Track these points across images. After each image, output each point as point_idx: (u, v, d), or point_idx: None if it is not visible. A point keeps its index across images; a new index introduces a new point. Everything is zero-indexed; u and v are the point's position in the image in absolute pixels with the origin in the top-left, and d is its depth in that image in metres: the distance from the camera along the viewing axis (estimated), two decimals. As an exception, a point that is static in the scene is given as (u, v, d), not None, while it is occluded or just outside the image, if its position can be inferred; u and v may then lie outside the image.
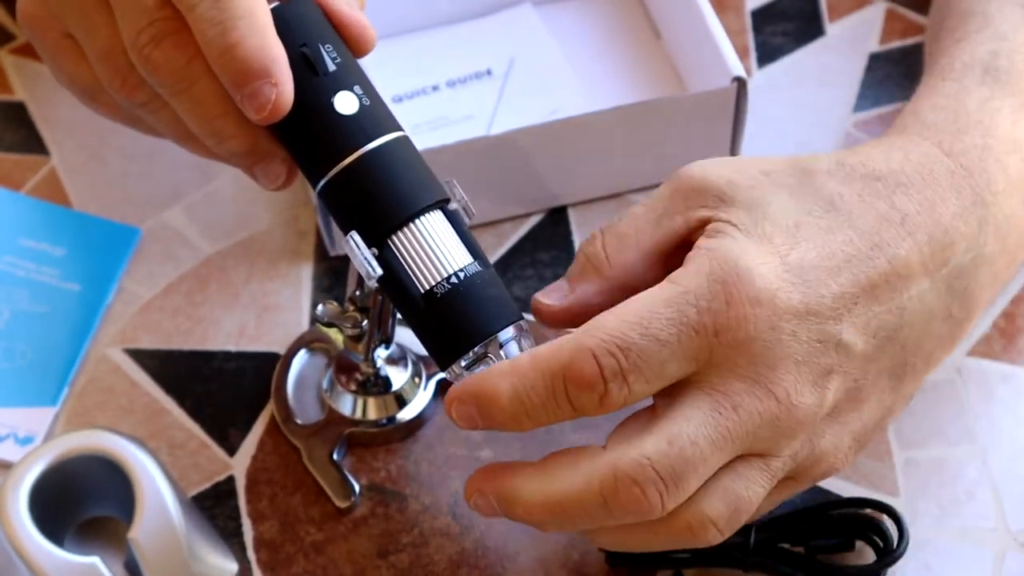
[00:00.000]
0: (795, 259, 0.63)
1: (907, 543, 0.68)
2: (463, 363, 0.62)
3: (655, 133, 0.80)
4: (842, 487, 0.72)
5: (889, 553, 0.67)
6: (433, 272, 0.62)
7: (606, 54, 0.87)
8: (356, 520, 0.72)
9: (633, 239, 0.66)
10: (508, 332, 0.62)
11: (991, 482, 0.73)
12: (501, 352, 0.62)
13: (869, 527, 0.68)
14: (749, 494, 0.62)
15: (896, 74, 0.87)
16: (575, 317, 0.65)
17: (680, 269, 0.63)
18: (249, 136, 0.62)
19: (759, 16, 0.90)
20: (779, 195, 0.65)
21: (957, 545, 0.71)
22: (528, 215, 0.82)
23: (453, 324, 0.62)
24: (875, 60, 0.88)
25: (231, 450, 0.74)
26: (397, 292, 0.62)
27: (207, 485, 0.73)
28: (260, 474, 0.73)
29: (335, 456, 0.73)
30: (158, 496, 0.67)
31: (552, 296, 0.66)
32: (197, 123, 0.62)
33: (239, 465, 0.74)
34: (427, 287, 0.62)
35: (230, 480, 0.73)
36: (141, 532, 0.66)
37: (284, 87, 0.60)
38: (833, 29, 0.89)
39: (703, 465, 0.61)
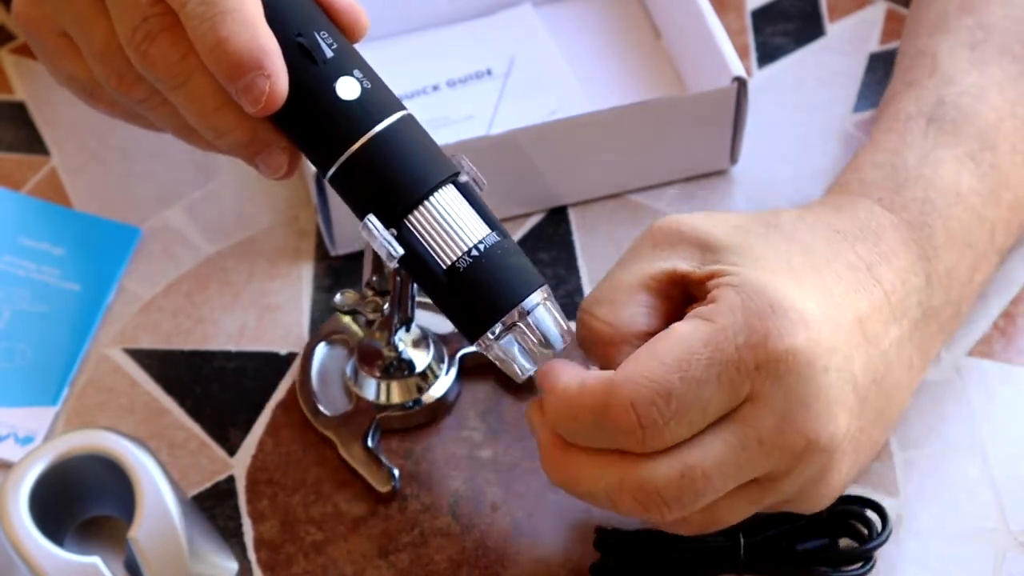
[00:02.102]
0: (811, 297, 0.63)
1: (891, 529, 0.68)
2: (492, 335, 0.63)
3: (655, 133, 0.80)
4: (842, 487, 0.72)
5: (874, 538, 0.68)
6: (453, 247, 0.62)
7: (606, 54, 0.87)
8: (356, 520, 0.72)
9: (624, 296, 0.66)
10: (534, 298, 0.63)
11: (991, 482, 0.73)
12: (529, 319, 0.62)
13: (853, 518, 0.69)
14: (736, 513, 0.64)
15: (896, 74, 0.87)
16: None
17: (710, 306, 0.63)
18: (248, 127, 0.62)
19: (759, 16, 0.90)
20: (758, 243, 0.65)
21: (957, 545, 0.71)
22: (528, 215, 0.82)
23: (478, 297, 0.62)
24: (875, 60, 0.88)
25: (231, 450, 0.74)
26: (419, 270, 0.63)
27: (207, 485, 0.73)
28: (260, 474, 0.73)
29: (369, 443, 0.73)
30: (158, 496, 0.67)
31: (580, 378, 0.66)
32: (195, 117, 0.62)
33: (239, 465, 0.74)
34: (449, 262, 0.62)
35: (230, 480, 0.73)
36: (141, 532, 0.66)
37: (278, 78, 0.60)
38: (833, 29, 0.89)
39: (712, 495, 0.62)
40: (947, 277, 0.69)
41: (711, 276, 0.64)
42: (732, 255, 0.65)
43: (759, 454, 0.61)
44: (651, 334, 0.64)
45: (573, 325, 0.66)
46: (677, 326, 0.62)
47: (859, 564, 0.68)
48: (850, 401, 0.63)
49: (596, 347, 0.66)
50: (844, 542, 0.69)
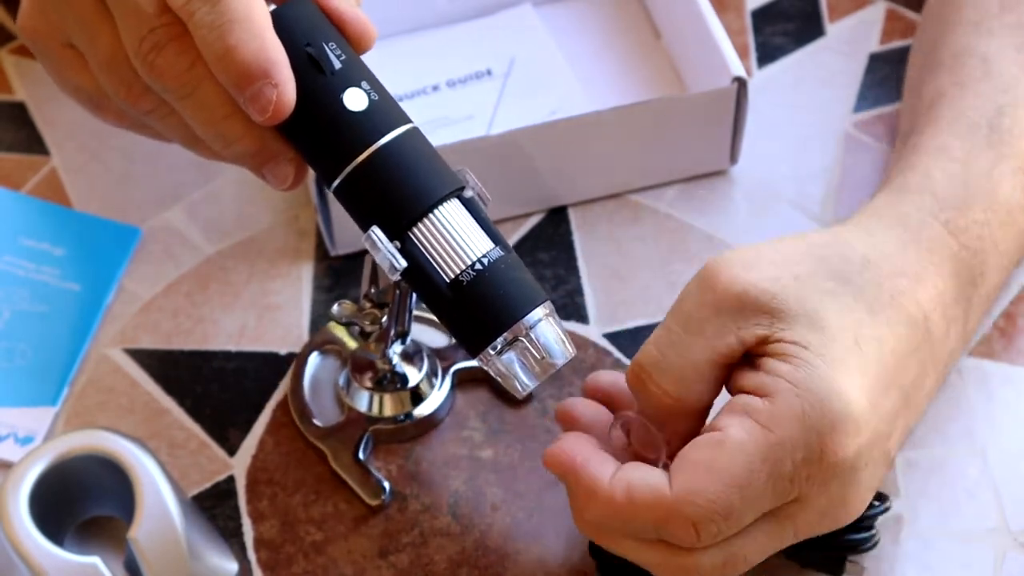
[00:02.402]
0: (868, 386, 0.63)
1: (889, 506, 0.69)
2: (493, 350, 0.63)
3: (655, 133, 0.80)
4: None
5: (873, 507, 0.68)
6: (457, 260, 0.62)
7: (606, 54, 0.87)
8: (356, 520, 0.72)
9: (692, 373, 0.64)
10: (537, 314, 0.62)
11: (991, 482, 0.72)
12: (531, 335, 0.62)
13: None
14: (757, 555, 0.65)
15: (896, 74, 0.87)
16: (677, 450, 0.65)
17: (767, 406, 0.62)
18: (256, 137, 0.62)
19: (759, 16, 0.90)
20: (828, 305, 0.64)
21: (957, 545, 0.71)
22: (528, 215, 0.82)
23: (481, 311, 0.62)
24: (875, 60, 0.88)
25: (231, 450, 0.74)
26: (422, 283, 0.63)
27: (207, 485, 0.73)
28: (260, 474, 0.73)
29: (360, 455, 0.73)
30: (158, 496, 0.67)
31: (653, 451, 0.66)
32: (203, 127, 0.62)
33: (239, 465, 0.74)
34: (452, 276, 0.62)
35: (230, 480, 0.73)
36: (141, 532, 0.66)
37: (285, 87, 0.60)
38: (833, 29, 0.89)
39: (745, 567, 0.64)
40: (986, 299, 0.70)
41: (775, 353, 0.63)
42: (801, 328, 0.64)
43: (794, 538, 0.65)
44: (710, 405, 0.65)
45: (571, 339, 0.65)
46: (733, 433, 0.62)
47: (861, 535, 0.68)
48: (881, 472, 0.65)
49: (655, 412, 0.65)
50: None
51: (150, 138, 0.67)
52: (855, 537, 0.68)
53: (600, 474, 0.63)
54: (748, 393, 0.63)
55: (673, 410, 0.65)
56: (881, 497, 0.68)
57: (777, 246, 0.67)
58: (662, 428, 0.65)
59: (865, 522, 0.67)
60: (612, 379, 0.69)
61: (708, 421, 0.66)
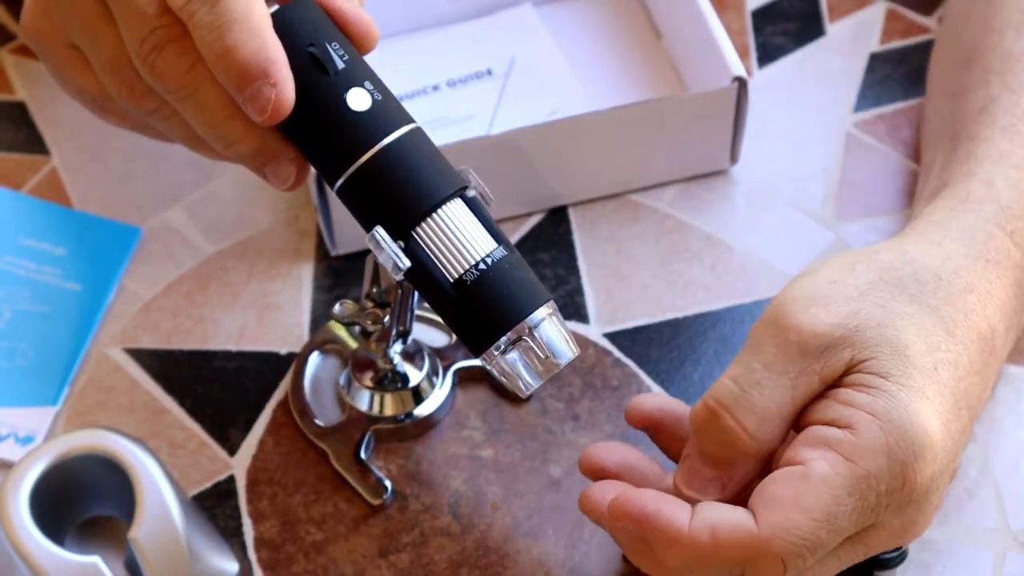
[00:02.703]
0: (943, 411, 0.63)
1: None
2: (497, 349, 0.62)
3: (655, 133, 0.80)
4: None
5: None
6: (461, 260, 0.62)
7: (606, 54, 0.87)
8: (356, 520, 0.72)
9: (775, 412, 0.63)
10: (540, 313, 0.62)
11: (992, 482, 0.73)
12: (535, 334, 0.62)
13: None
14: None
15: (896, 74, 0.87)
16: (732, 499, 0.64)
17: (849, 437, 0.62)
18: (257, 137, 0.62)
19: (759, 16, 0.90)
20: (907, 330, 0.64)
21: (957, 545, 0.71)
22: (528, 215, 0.82)
23: (485, 311, 0.62)
24: (875, 60, 0.88)
25: (231, 450, 0.74)
26: (426, 283, 0.63)
27: (208, 485, 0.73)
28: (260, 474, 0.73)
29: (362, 455, 0.73)
30: (158, 496, 0.67)
31: (708, 491, 0.64)
32: (204, 128, 0.62)
33: (239, 465, 0.74)
34: (456, 275, 0.62)
35: (230, 480, 0.73)
36: (141, 532, 0.66)
37: (284, 87, 0.60)
38: (833, 29, 0.89)
39: None
40: None
41: (853, 384, 0.63)
42: (884, 357, 0.63)
43: (862, 557, 0.65)
44: (777, 448, 0.64)
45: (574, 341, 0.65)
46: (817, 467, 0.61)
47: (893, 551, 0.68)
48: (945, 489, 0.66)
49: (725, 451, 0.64)
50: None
51: (154, 139, 0.67)
52: (887, 556, 0.67)
53: (679, 519, 0.62)
54: (825, 425, 0.63)
55: (747, 450, 0.63)
56: None
57: (848, 276, 0.66)
58: (723, 469, 0.64)
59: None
60: (658, 405, 0.68)
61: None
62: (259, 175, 0.64)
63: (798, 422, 0.64)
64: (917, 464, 0.62)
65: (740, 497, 0.64)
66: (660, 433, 0.68)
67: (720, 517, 0.62)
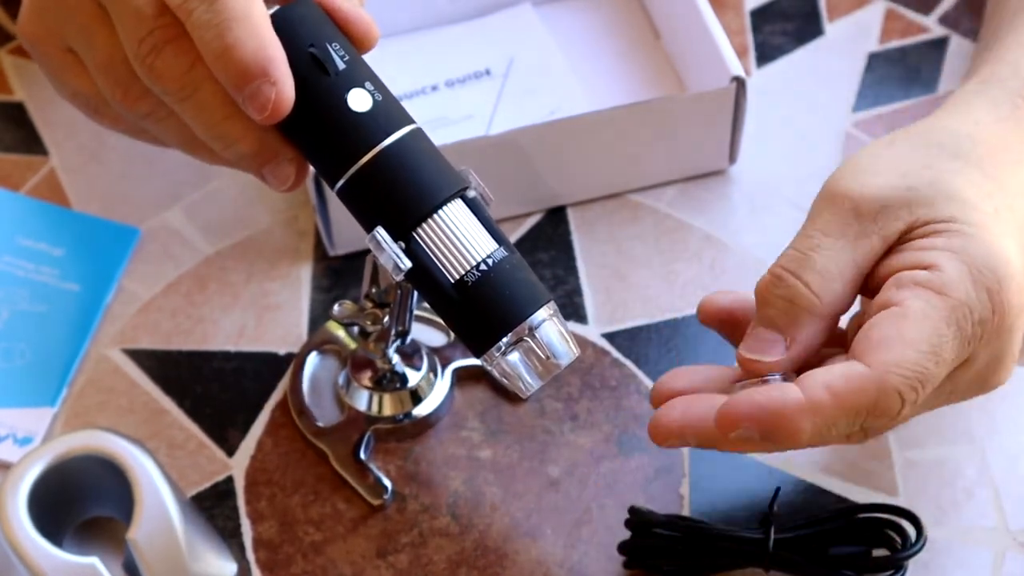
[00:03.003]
0: (1017, 248, 0.65)
1: (925, 540, 0.68)
2: (498, 350, 0.62)
3: (654, 133, 0.80)
4: (842, 487, 0.72)
5: (907, 548, 0.67)
6: (462, 261, 0.62)
7: (606, 54, 0.87)
8: (355, 520, 0.72)
9: (836, 272, 0.65)
10: (541, 314, 0.62)
11: (991, 482, 0.72)
12: (536, 335, 0.62)
13: (889, 527, 0.68)
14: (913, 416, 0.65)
15: (896, 74, 0.87)
16: (798, 365, 0.65)
17: (935, 274, 0.63)
18: (256, 138, 0.62)
19: (759, 16, 0.90)
20: (958, 183, 0.66)
21: (956, 545, 0.71)
22: (528, 215, 0.82)
23: (486, 311, 0.62)
24: (875, 60, 0.88)
25: (230, 450, 0.74)
26: (426, 284, 0.63)
27: (206, 485, 0.73)
28: (259, 474, 0.73)
29: (361, 455, 0.73)
30: (157, 496, 0.67)
31: (770, 351, 0.65)
32: (203, 128, 0.62)
33: (238, 465, 0.74)
34: (457, 276, 0.62)
35: (229, 480, 0.73)
36: (140, 532, 0.66)
37: (283, 85, 0.60)
38: (833, 29, 0.89)
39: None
40: None
41: (924, 234, 0.65)
42: (942, 207, 0.65)
43: (947, 400, 0.66)
44: (842, 313, 0.65)
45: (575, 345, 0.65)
46: (913, 304, 0.62)
47: (889, 572, 0.68)
48: (1021, 338, 0.66)
49: (790, 313, 0.65)
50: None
51: (147, 143, 0.66)
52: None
53: (792, 395, 0.62)
54: (907, 270, 0.64)
55: (811, 308, 0.64)
56: (916, 524, 0.69)
57: (887, 149, 0.68)
58: (786, 329, 0.64)
59: (897, 562, 0.68)
60: (732, 298, 0.69)
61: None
62: (258, 176, 0.64)
63: (872, 281, 0.65)
64: (1003, 292, 0.63)
65: (807, 367, 0.64)
66: (735, 327, 0.68)
67: (828, 374, 0.62)
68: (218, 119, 0.61)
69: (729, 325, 0.69)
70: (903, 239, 0.65)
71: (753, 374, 0.65)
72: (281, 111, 0.60)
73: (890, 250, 0.65)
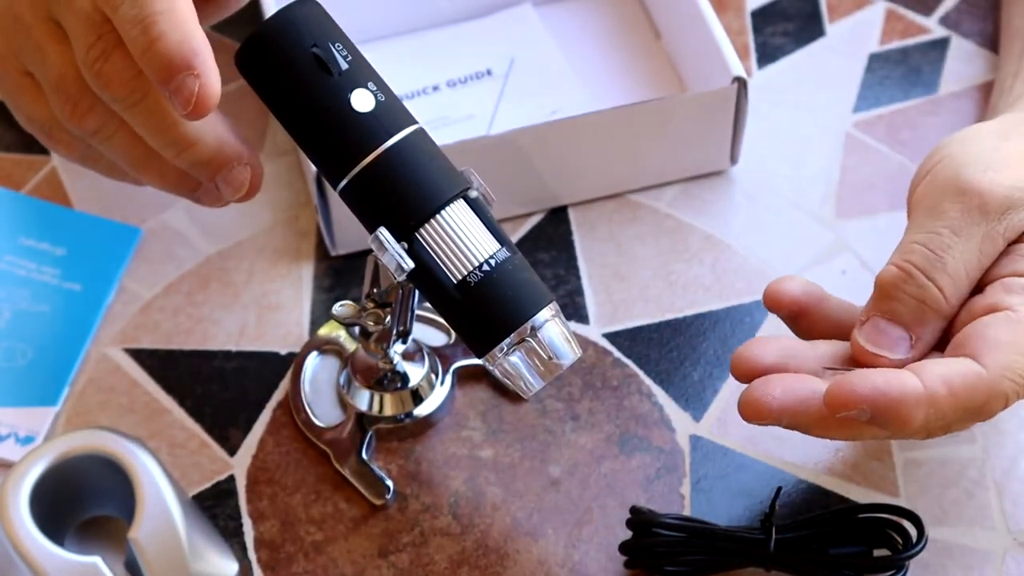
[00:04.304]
0: None
1: (926, 541, 0.68)
2: (501, 351, 0.63)
3: (655, 133, 0.80)
4: (843, 487, 0.72)
5: (908, 548, 0.67)
6: (464, 262, 0.62)
7: (606, 54, 0.87)
8: (356, 520, 0.72)
9: (964, 274, 0.65)
10: (543, 315, 0.63)
11: (991, 482, 0.73)
12: (538, 335, 0.62)
13: (890, 527, 0.68)
14: None
15: (896, 74, 0.87)
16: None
17: None
18: (207, 142, 0.62)
19: (759, 16, 0.90)
20: None
21: (958, 545, 0.71)
22: (528, 215, 0.82)
23: (489, 312, 0.62)
24: (875, 60, 0.88)
25: (231, 450, 0.74)
26: (429, 284, 0.63)
27: (208, 485, 0.73)
28: (260, 474, 0.74)
29: (363, 455, 0.73)
30: (159, 496, 0.67)
31: (897, 349, 0.65)
32: (153, 135, 0.62)
33: (239, 465, 0.74)
34: (460, 277, 0.62)
35: (230, 480, 0.73)
36: (142, 532, 0.66)
37: (207, 78, 0.59)
38: (833, 29, 0.89)
39: None
40: None
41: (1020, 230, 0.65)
42: None
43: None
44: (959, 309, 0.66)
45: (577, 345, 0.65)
46: (1022, 311, 0.63)
47: (890, 572, 0.68)
48: None
49: (918, 309, 0.65)
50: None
51: (100, 173, 0.66)
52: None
53: (912, 384, 0.62)
54: (1019, 276, 0.65)
55: (941, 311, 0.65)
56: (918, 525, 0.68)
57: (1006, 143, 0.68)
58: (914, 328, 0.65)
59: (898, 563, 0.68)
60: (803, 286, 0.68)
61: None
62: (210, 188, 0.64)
63: (982, 279, 0.66)
64: None
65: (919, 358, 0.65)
66: (802, 316, 0.68)
67: (948, 369, 0.62)
68: (168, 124, 0.61)
69: (798, 314, 0.68)
70: (1018, 239, 0.66)
71: (867, 365, 0.64)
72: (206, 105, 0.60)
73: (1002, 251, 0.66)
